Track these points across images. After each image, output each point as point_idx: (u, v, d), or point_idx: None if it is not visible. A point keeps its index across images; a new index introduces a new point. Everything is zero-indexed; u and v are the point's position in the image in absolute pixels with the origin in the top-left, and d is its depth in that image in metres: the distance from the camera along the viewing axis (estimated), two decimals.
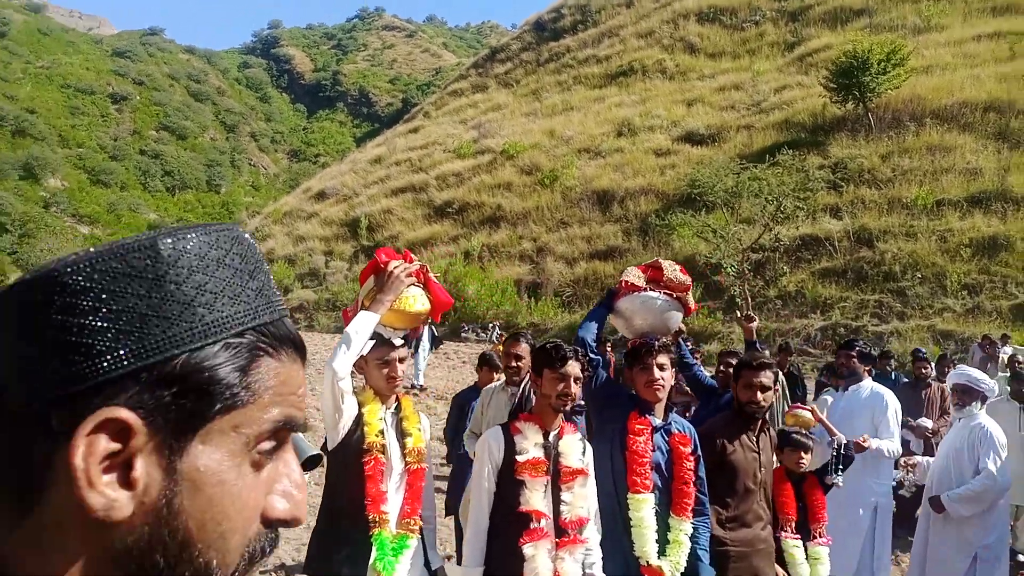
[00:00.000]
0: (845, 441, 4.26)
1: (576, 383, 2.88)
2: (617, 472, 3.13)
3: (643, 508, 3.04)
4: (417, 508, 2.77)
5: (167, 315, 0.51)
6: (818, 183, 16.92)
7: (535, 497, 2.71)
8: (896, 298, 15.71)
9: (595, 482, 3.01)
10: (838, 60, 21.89)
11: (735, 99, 29.01)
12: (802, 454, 3.90)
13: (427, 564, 2.85)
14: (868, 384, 5.23)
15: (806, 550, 3.77)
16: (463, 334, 19.26)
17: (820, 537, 3.82)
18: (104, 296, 0.49)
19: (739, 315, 5.51)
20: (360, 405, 2.78)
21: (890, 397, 5.08)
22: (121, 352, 0.49)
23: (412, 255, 2.90)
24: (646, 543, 3.00)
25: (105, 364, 0.48)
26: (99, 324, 0.49)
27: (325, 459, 2.79)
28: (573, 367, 2.85)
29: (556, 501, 2.78)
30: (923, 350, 9.34)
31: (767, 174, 16.50)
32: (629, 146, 27.56)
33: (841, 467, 4.05)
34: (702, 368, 5.22)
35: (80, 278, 0.49)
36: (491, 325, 18.58)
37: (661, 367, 3.20)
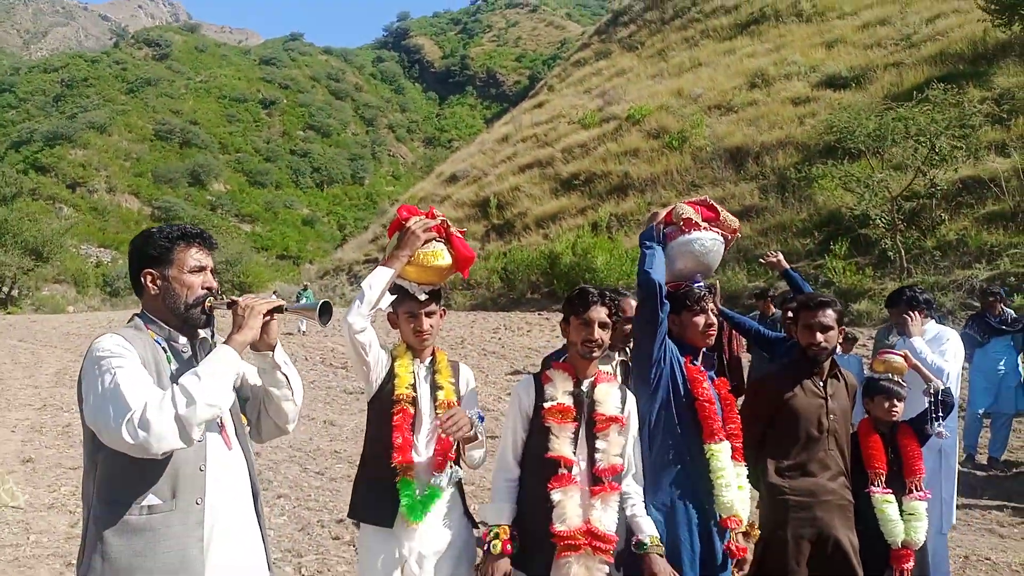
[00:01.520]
0: (944, 387, 3.81)
1: (603, 328, 2.77)
2: (682, 422, 3.00)
3: (721, 457, 2.95)
4: (446, 461, 2.76)
5: None
6: (977, 117, 15.10)
7: (562, 444, 2.70)
8: None
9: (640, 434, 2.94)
10: None
11: (881, 35, 26.59)
12: (894, 402, 3.59)
13: (467, 513, 2.90)
14: (931, 328, 4.80)
15: (900, 505, 3.44)
16: None
17: (917, 491, 3.49)
18: None
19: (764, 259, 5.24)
20: (393, 359, 2.85)
21: (950, 334, 4.74)
22: None
23: (436, 211, 2.91)
24: (727, 492, 2.91)
25: None
26: None
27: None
28: (598, 312, 2.77)
29: (591, 449, 2.74)
30: (996, 289, 8.52)
31: (914, 112, 14.92)
32: (764, 98, 26.04)
33: (941, 415, 3.65)
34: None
35: None
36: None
37: (712, 312, 3.13)
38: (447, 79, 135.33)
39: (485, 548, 2.74)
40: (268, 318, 2.22)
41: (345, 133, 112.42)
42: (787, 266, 5.09)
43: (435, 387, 2.85)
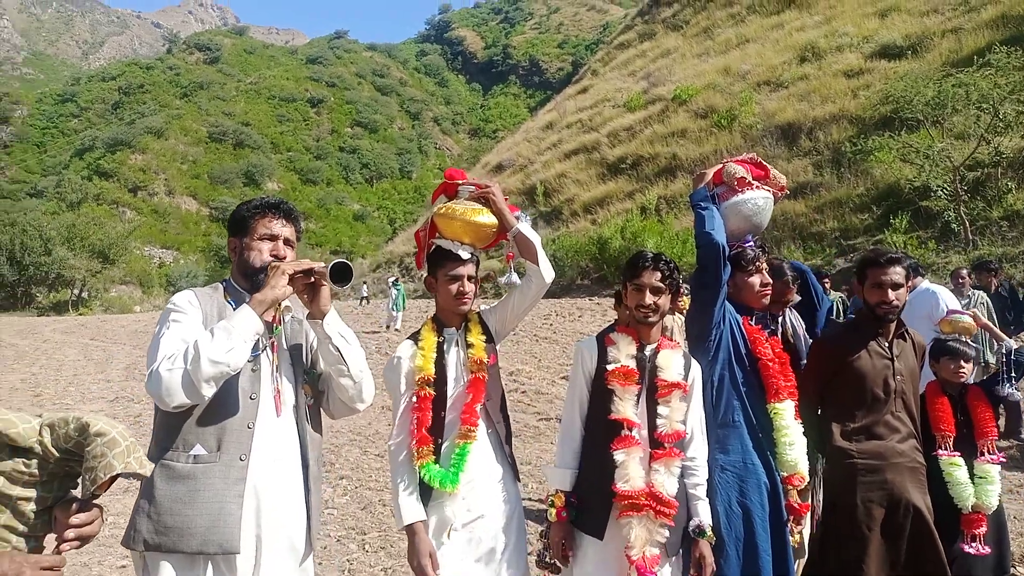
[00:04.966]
0: (1016, 346, 3.63)
1: (656, 294, 2.72)
2: (746, 382, 2.96)
3: (786, 416, 2.91)
4: (472, 418, 2.61)
5: None
6: None
7: (625, 406, 2.64)
8: None
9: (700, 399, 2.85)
10: None
11: (938, 1, 25.57)
12: (961, 363, 3.46)
13: (508, 461, 2.76)
14: (920, 284, 4.76)
15: (971, 469, 3.31)
16: None
17: (988, 453, 3.33)
18: None
19: None
20: (417, 341, 2.73)
21: (941, 292, 4.67)
22: None
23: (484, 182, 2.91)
24: (791, 451, 2.88)
25: None
26: None
27: None
28: (649, 277, 2.71)
29: (652, 414, 2.68)
30: (992, 262, 8.54)
31: (976, 78, 14.32)
32: (815, 72, 25.33)
33: (1014, 375, 3.49)
34: None
35: None
36: None
37: (767, 271, 3.11)
38: (490, 69, 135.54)
39: (547, 515, 2.78)
40: (310, 280, 2.20)
41: (392, 128, 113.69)
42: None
43: (467, 346, 2.72)
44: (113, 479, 1.53)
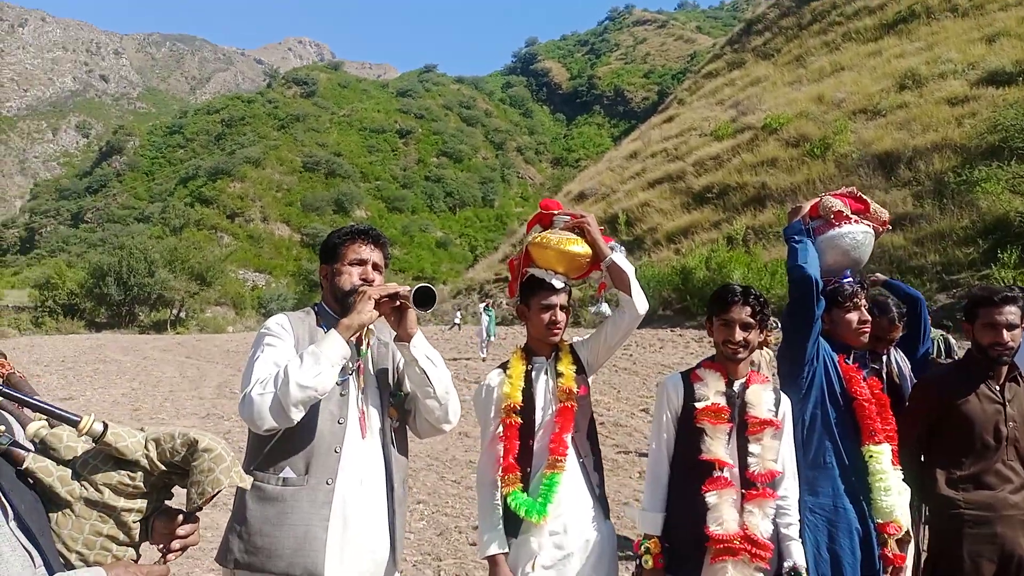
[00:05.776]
0: None
1: (746, 330, 2.59)
2: (839, 422, 2.80)
3: (882, 459, 2.74)
4: (561, 448, 2.56)
5: None
6: None
7: (716, 445, 2.54)
8: None
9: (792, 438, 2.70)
10: None
11: None
12: None
13: (596, 494, 2.66)
14: None
15: None
16: None
17: None
18: None
19: None
20: (505, 369, 2.72)
21: None
22: None
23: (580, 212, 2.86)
24: (886, 497, 2.70)
25: None
26: None
27: None
28: (739, 312, 2.58)
29: (743, 453, 2.57)
30: None
31: None
32: (915, 99, 24.33)
33: None
34: None
35: None
36: None
37: (866, 308, 2.96)
38: (574, 99, 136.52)
39: (637, 562, 2.67)
40: (396, 304, 2.22)
41: (476, 158, 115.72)
42: (884, 277, 4.36)
43: (557, 375, 2.69)
44: (217, 492, 1.59)
